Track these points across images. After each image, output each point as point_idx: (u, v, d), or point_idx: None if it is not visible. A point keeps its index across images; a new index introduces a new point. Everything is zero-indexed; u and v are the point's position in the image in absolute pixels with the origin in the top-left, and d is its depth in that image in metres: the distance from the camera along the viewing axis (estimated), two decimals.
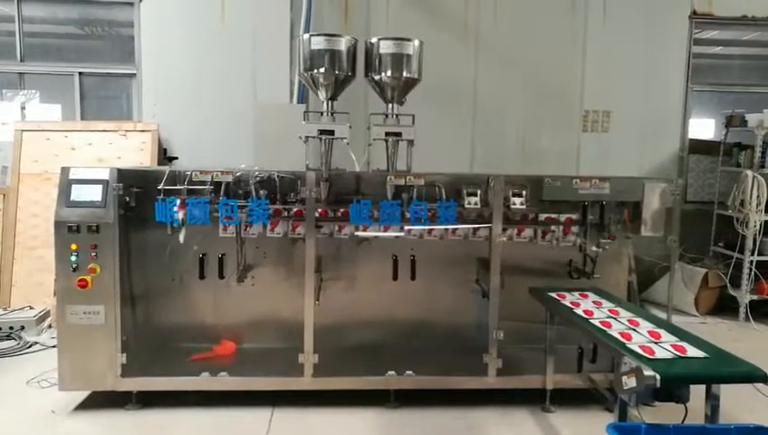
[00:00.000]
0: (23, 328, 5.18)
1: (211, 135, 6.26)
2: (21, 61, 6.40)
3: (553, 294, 3.79)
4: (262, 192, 3.80)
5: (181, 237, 3.78)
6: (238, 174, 3.87)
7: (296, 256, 4.15)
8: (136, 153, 6.02)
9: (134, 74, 6.42)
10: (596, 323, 3.18)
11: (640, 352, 2.68)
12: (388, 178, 3.97)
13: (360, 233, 4.15)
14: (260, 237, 4.16)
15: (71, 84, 6.45)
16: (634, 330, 3.05)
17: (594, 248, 4.18)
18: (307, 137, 3.99)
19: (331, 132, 3.97)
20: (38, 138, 5.99)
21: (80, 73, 6.45)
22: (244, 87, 6.29)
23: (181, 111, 6.29)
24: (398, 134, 4.10)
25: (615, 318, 3.27)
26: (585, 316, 3.31)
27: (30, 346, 4.94)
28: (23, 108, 6.38)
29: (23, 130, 6.00)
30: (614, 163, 6.58)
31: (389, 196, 3.96)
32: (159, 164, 5.94)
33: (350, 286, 4.37)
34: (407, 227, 4.06)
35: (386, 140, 4.17)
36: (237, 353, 4.23)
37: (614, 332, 3.01)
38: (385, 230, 4.12)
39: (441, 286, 4.38)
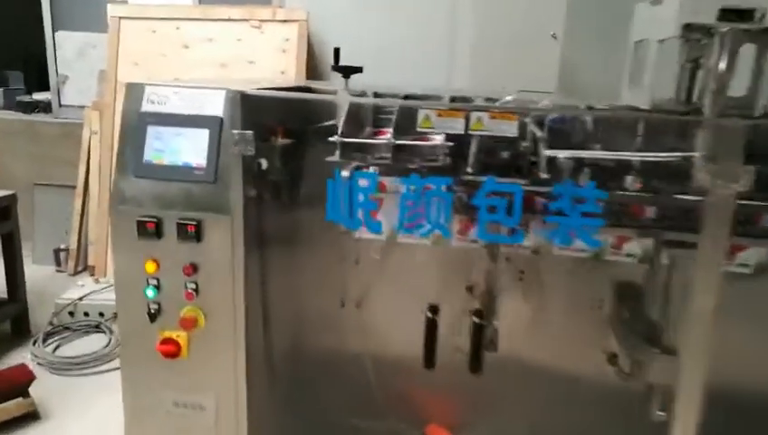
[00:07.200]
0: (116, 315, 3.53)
1: (399, 33, 3.91)
2: None
3: None
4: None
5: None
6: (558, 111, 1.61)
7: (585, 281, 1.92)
8: (275, 55, 3.95)
9: None
10: None
11: None
12: None
13: None
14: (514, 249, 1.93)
15: None
16: None
17: None
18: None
19: None
20: (140, 29, 4.10)
21: None
22: None
23: None
24: None
25: None
26: None
27: None
28: None
29: (120, 18, 4.12)
30: None
31: None
32: (313, 76, 3.80)
33: None
34: None
35: None
36: None
37: None
38: None
39: None
